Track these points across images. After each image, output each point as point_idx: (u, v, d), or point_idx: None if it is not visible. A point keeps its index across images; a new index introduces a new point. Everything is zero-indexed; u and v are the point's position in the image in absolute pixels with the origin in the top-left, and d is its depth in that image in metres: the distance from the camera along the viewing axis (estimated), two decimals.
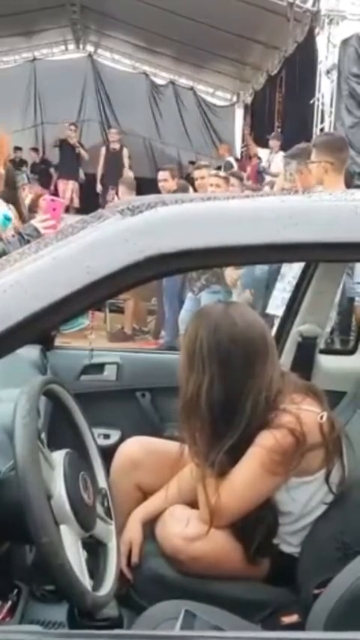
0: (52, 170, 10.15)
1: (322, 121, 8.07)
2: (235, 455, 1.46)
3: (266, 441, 1.41)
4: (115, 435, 1.92)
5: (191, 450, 1.49)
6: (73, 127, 9.96)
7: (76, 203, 9.68)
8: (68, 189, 9.60)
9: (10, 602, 1.22)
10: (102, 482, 1.30)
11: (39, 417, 1.15)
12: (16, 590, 1.26)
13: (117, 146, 9.40)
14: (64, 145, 9.82)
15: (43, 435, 1.13)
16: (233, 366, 1.41)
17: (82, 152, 9.78)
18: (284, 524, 1.54)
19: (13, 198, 3.75)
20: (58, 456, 1.11)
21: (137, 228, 0.77)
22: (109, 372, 2.03)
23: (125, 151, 9.34)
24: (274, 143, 8.55)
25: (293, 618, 1.45)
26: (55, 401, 1.24)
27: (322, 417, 1.43)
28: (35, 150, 10.67)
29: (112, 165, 9.21)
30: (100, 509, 1.21)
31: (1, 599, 1.20)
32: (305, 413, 1.42)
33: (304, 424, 1.40)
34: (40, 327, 0.75)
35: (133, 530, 1.57)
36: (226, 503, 1.45)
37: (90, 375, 2.02)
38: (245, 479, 1.45)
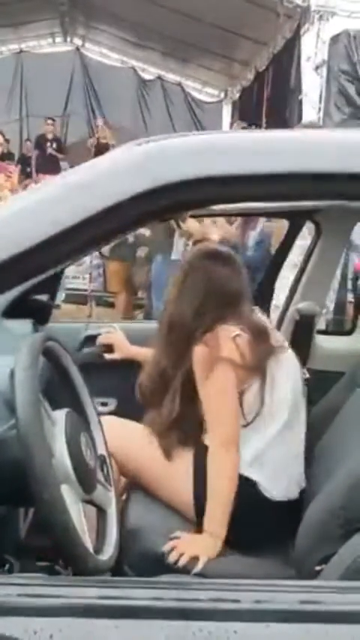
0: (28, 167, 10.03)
1: (309, 118, 8.07)
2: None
3: (195, 354, 1.59)
4: (112, 403, 1.97)
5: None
6: (50, 122, 9.91)
7: None
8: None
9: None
10: (101, 449, 1.25)
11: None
12: (7, 566, 1.21)
13: (105, 140, 9.37)
14: (40, 140, 9.79)
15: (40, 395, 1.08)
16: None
17: (53, 152, 9.72)
18: None
19: None
20: (59, 414, 1.07)
21: (154, 154, 0.73)
22: None
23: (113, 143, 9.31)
24: None
25: None
26: (54, 360, 1.20)
27: (235, 335, 1.57)
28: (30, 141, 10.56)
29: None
30: (99, 475, 1.16)
31: None
32: (222, 330, 1.59)
33: (218, 337, 1.58)
34: (53, 255, 0.71)
35: None
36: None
37: (89, 347, 2.08)
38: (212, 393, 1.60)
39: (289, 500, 1.64)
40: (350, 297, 3.98)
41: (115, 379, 1.97)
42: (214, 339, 1.58)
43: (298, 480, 1.68)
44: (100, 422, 1.28)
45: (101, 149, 9.37)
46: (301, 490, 1.71)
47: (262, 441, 1.63)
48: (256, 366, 1.59)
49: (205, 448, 1.65)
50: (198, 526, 1.63)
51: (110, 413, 1.86)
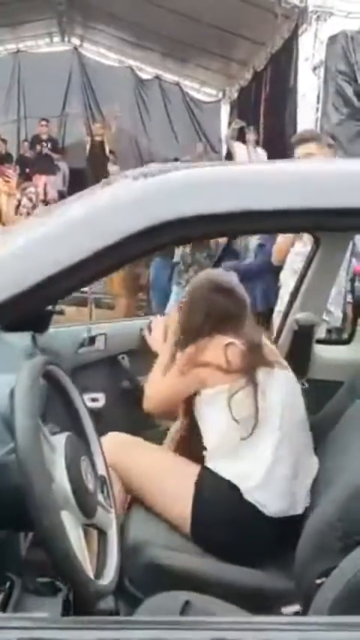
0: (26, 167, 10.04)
1: (307, 118, 8.07)
2: None
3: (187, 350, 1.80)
4: (102, 399, 2.14)
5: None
6: (44, 123, 9.92)
7: (52, 195, 9.56)
8: (41, 183, 9.49)
9: (2, 595, 1.17)
10: (101, 470, 1.25)
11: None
12: (8, 583, 1.21)
13: (100, 138, 9.38)
14: (35, 141, 9.81)
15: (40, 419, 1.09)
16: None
17: (48, 152, 9.75)
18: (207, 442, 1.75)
19: None
20: (59, 439, 1.07)
21: (153, 192, 0.72)
22: (99, 343, 2.32)
23: (107, 139, 9.34)
24: (250, 137, 8.57)
25: (294, 608, 1.43)
26: (54, 383, 1.20)
27: (227, 344, 1.73)
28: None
29: (96, 159, 9.18)
30: (100, 497, 1.16)
31: None
32: (217, 338, 1.76)
33: (209, 344, 1.75)
34: (53, 293, 0.71)
35: None
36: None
37: (85, 347, 2.28)
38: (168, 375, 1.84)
39: (292, 517, 1.65)
40: (349, 297, 4.01)
41: (104, 376, 2.15)
42: (207, 342, 1.76)
43: (302, 499, 1.70)
44: (99, 442, 1.29)
45: (96, 148, 9.39)
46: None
47: (269, 451, 1.67)
48: (244, 371, 1.70)
49: (209, 472, 1.68)
50: (195, 542, 1.65)
51: (100, 407, 2.02)
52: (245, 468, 1.65)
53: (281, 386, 1.74)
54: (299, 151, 3.06)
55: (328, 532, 1.52)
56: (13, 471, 0.97)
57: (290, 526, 1.61)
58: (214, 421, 1.72)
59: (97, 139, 9.44)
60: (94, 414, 1.46)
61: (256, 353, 1.73)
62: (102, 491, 1.19)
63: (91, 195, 0.77)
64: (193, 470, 1.71)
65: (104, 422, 1.78)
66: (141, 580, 1.54)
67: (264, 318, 3.20)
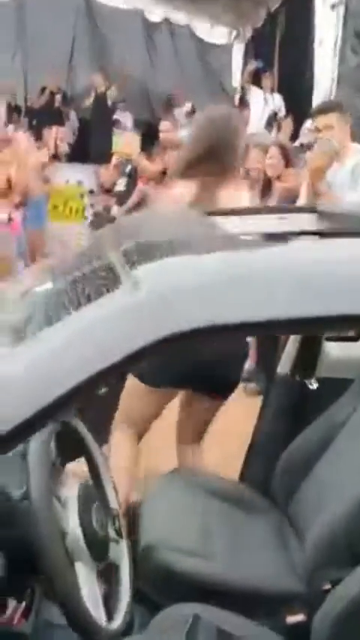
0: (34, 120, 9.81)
1: (324, 62, 7.71)
2: None
3: None
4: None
5: None
6: (54, 74, 9.71)
7: (63, 148, 9.38)
8: (51, 137, 9.27)
9: (24, 604, 1.24)
10: (113, 503, 1.30)
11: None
12: (29, 591, 1.28)
13: (102, 89, 9.14)
14: (45, 93, 9.60)
15: (56, 463, 1.12)
16: None
17: (58, 104, 9.56)
18: None
19: None
20: (71, 491, 1.11)
21: (157, 304, 0.69)
22: None
23: (110, 93, 9.09)
24: (266, 82, 8.30)
25: (299, 618, 1.49)
26: (65, 427, 1.23)
27: None
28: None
29: (100, 110, 8.99)
30: (111, 532, 1.21)
31: (16, 600, 1.22)
32: None
33: None
34: (47, 421, 0.71)
35: None
36: None
37: None
38: None
39: None
40: None
41: None
42: None
43: None
44: (110, 475, 1.32)
45: (99, 99, 9.15)
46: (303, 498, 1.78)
47: None
48: None
49: None
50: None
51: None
52: None
53: None
54: (319, 121, 2.96)
55: (335, 540, 1.57)
56: (28, 522, 1.02)
57: None
58: None
59: (100, 90, 9.19)
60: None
61: None
62: (113, 525, 1.23)
63: (91, 301, 0.73)
64: None
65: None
66: (153, 583, 1.60)
67: None
